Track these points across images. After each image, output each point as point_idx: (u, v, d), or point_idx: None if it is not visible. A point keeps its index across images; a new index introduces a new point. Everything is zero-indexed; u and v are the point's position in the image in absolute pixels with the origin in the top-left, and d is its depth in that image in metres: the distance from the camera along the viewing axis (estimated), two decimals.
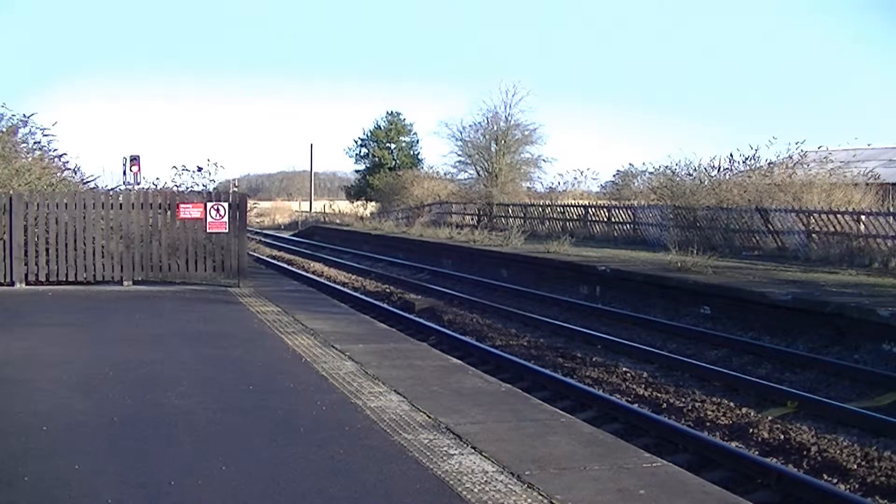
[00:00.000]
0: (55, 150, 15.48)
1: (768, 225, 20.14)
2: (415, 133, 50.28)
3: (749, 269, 15.44)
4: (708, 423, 7.27)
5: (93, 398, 5.48)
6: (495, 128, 37.22)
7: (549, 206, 32.01)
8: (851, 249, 17.09)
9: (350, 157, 51.97)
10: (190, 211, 11.72)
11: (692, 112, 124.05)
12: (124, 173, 17.50)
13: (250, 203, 17.85)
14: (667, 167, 25.98)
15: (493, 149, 37.07)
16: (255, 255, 23.11)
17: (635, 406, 7.77)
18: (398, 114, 50.09)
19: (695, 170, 24.35)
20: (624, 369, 9.35)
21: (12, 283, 11.29)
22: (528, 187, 38.48)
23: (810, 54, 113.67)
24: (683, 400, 7.99)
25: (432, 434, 4.77)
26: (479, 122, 37.79)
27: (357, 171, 51.99)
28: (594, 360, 9.83)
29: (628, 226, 26.18)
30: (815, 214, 18.95)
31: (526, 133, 37.38)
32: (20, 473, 3.94)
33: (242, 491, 3.77)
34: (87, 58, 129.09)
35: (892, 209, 19.03)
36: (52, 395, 5.53)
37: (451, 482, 3.95)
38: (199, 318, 9.09)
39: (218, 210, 11.74)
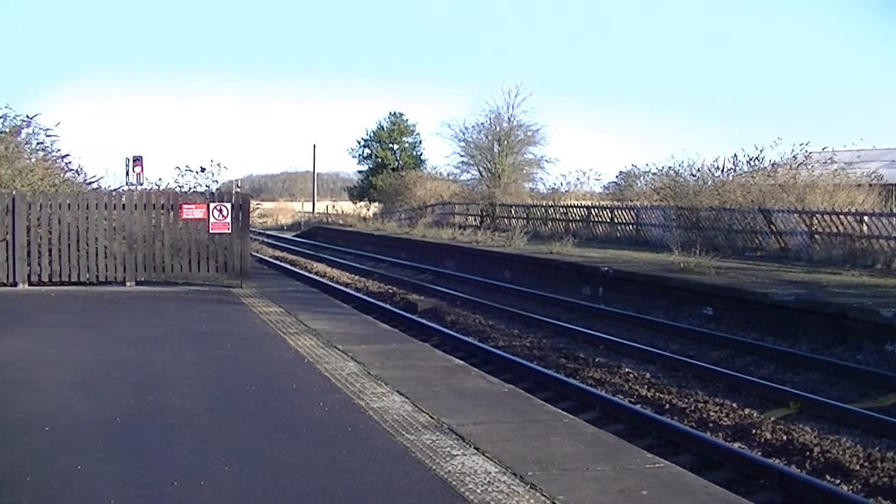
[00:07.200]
0: (58, 150, 15.60)
1: (771, 226, 20.11)
2: (417, 134, 50.35)
3: (751, 270, 15.42)
4: (711, 424, 7.26)
5: (95, 398, 5.49)
6: (498, 128, 37.20)
7: (551, 206, 32.00)
8: (854, 250, 17.06)
9: (353, 157, 52.03)
10: (193, 211, 11.74)
11: (696, 113, 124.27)
12: (127, 174, 17.50)
13: (253, 204, 17.82)
14: (670, 168, 25.99)
15: (495, 149, 37.04)
16: (258, 255, 23.12)
17: (638, 407, 7.77)
18: (401, 114, 50.16)
19: (698, 170, 24.37)
20: (626, 370, 9.34)
21: (15, 284, 11.30)
22: (530, 188, 38.47)
23: (816, 54, 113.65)
24: (686, 401, 7.98)
25: (435, 435, 4.77)
26: (482, 123, 37.79)
27: (360, 172, 52.05)
28: (597, 360, 9.82)
29: (631, 226, 26.15)
30: (817, 215, 18.93)
31: (529, 134, 37.37)
32: (22, 474, 3.94)
33: (245, 491, 3.77)
34: (89, 58, 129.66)
35: (894, 210, 18.99)
36: (54, 396, 5.54)
37: (454, 483, 3.94)
38: (202, 318, 9.09)
39: (221, 211, 11.76)
